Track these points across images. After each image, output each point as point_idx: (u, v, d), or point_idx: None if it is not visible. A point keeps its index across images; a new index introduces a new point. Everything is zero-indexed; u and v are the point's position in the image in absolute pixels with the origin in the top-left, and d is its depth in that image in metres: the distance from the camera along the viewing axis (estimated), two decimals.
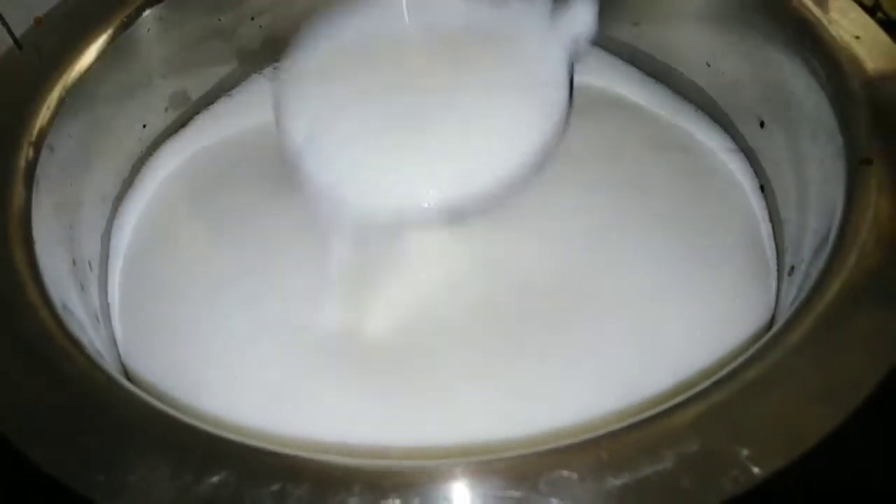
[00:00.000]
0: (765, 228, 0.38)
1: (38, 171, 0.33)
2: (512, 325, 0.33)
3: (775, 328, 0.27)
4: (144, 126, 0.42)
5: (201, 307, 0.34)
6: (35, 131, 0.34)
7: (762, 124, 0.40)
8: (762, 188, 0.40)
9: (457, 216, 0.33)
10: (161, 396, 0.30)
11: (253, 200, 0.39)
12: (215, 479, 0.23)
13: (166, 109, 0.43)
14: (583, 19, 0.35)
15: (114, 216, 0.39)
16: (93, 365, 0.27)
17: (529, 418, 0.29)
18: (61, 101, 0.36)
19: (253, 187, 0.40)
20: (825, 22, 0.35)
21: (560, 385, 0.31)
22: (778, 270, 0.36)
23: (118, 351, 0.35)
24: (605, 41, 0.46)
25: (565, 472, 0.23)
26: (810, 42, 0.35)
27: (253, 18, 0.45)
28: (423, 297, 0.35)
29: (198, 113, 0.45)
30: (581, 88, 0.43)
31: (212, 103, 0.46)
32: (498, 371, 0.31)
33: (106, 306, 0.36)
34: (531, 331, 0.33)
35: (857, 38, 0.34)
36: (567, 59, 0.35)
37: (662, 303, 0.34)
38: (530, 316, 0.33)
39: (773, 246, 0.37)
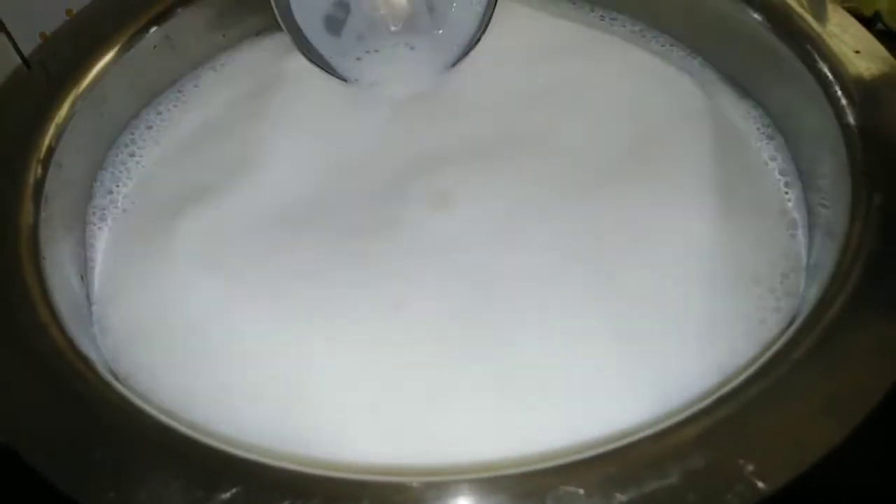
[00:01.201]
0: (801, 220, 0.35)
1: (47, 187, 0.34)
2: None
3: (778, 342, 0.27)
4: None
5: (203, 328, 0.34)
6: (43, 148, 0.35)
7: None
8: None
9: None
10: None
11: None
12: (226, 495, 0.23)
13: None
14: None
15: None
16: (102, 381, 0.27)
17: (538, 433, 0.28)
18: (68, 119, 0.36)
19: None
20: (825, 37, 0.36)
21: (572, 399, 0.30)
22: None
23: (119, 367, 0.35)
24: None
25: (572, 488, 0.23)
26: (811, 57, 0.35)
27: (258, 34, 0.45)
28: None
29: None
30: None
31: None
32: (506, 386, 0.31)
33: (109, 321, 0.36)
34: (543, 344, 0.31)
35: (858, 52, 0.35)
36: None
37: (690, 300, 0.32)
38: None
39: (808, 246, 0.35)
